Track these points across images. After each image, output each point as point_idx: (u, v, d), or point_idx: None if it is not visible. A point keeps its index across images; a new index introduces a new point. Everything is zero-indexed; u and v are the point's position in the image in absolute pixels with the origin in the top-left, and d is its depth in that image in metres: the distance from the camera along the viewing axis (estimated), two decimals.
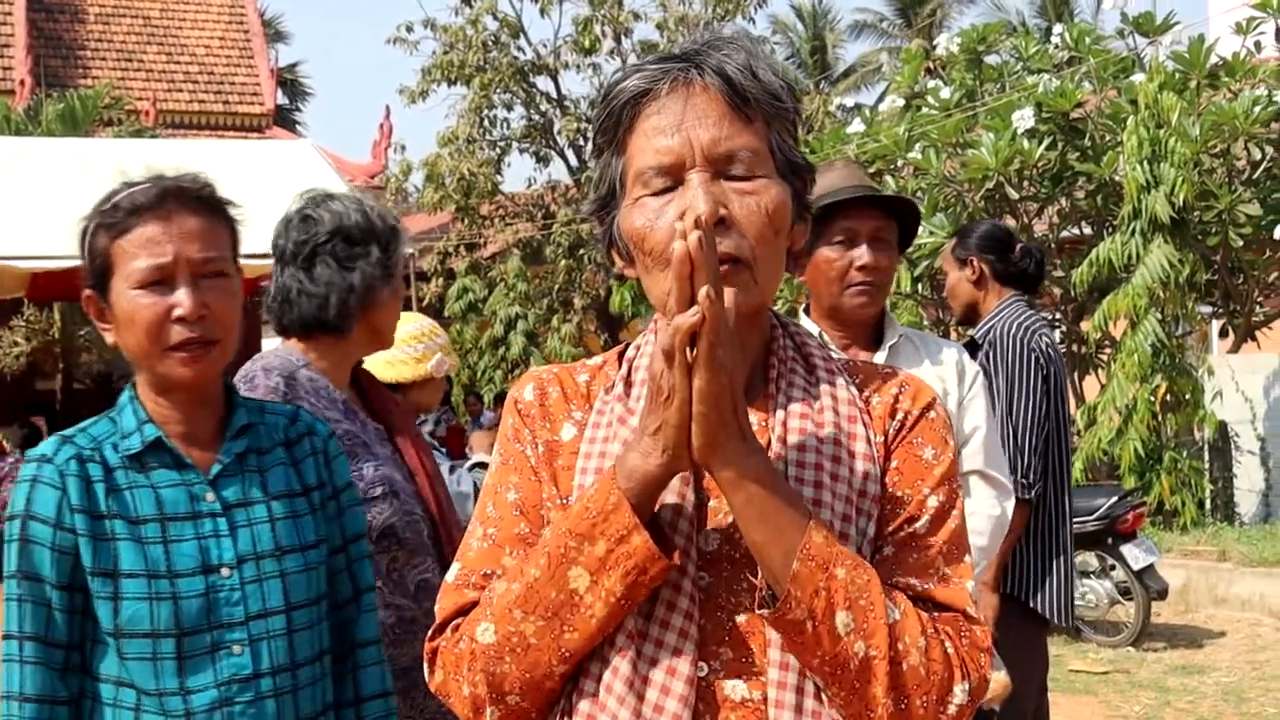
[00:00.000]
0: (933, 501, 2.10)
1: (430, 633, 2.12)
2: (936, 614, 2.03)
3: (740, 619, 2.02)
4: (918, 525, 2.09)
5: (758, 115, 2.07)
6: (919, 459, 2.13)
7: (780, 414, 2.10)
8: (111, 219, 2.79)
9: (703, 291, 1.82)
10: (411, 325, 5.52)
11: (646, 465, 1.93)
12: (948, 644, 1.99)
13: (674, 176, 2.03)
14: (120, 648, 2.73)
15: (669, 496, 2.02)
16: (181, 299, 2.73)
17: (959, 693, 1.97)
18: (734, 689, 2.00)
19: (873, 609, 1.92)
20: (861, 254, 4.28)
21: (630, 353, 2.25)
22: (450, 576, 2.15)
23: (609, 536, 1.93)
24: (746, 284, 2.02)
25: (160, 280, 2.75)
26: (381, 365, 5.23)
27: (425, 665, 2.12)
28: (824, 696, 1.98)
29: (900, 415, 2.16)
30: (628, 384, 2.18)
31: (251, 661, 2.78)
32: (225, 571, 2.79)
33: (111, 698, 2.76)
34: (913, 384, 2.21)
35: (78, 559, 2.72)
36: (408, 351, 5.44)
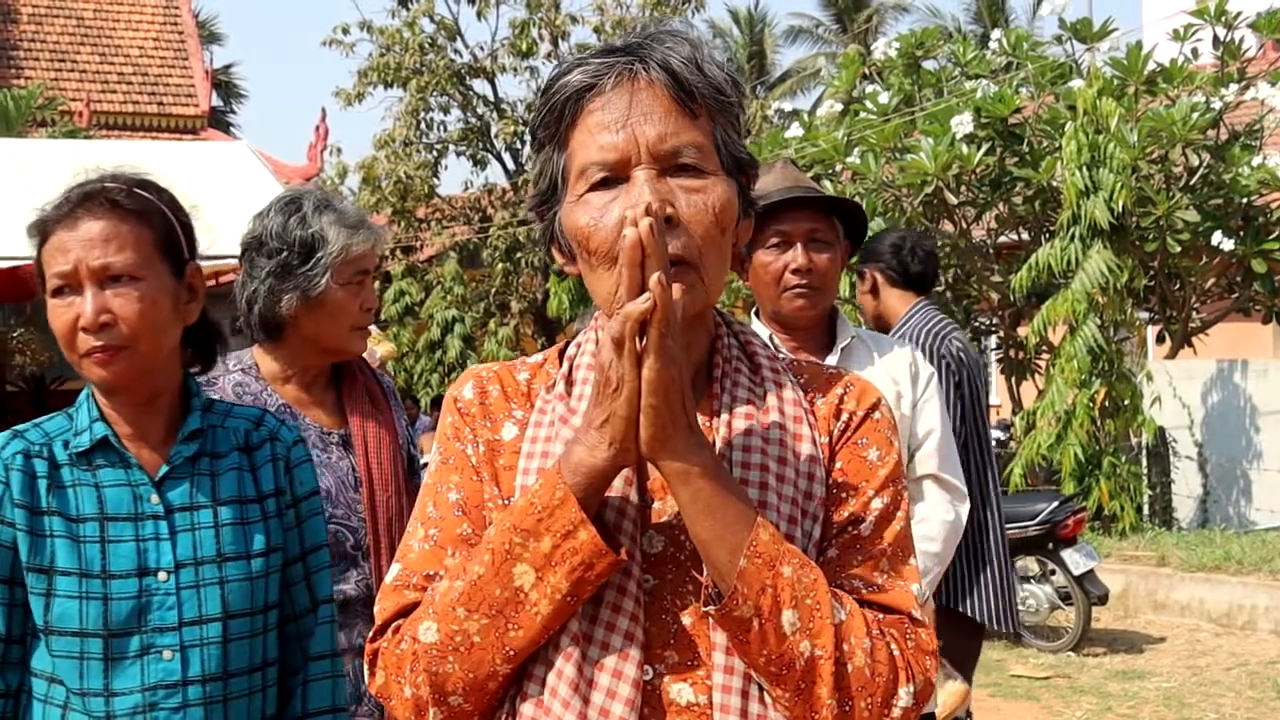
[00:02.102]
0: (877, 503, 2.08)
1: (371, 635, 2.08)
2: (881, 616, 2.00)
3: (686, 621, 2.00)
4: (862, 527, 2.07)
5: (703, 110, 2.03)
6: (864, 460, 2.11)
7: (725, 415, 2.07)
8: (37, 228, 2.79)
9: (654, 278, 1.79)
10: None
11: (593, 459, 1.90)
12: (893, 646, 1.97)
13: (619, 174, 1.99)
14: (49, 644, 2.72)
15: (612, 497, 1.98)
16: (82, 307, 2.71)
17: (904, 695, 1.95)
18: (680, 692, 1.97)
19: (819, 608, 1.90)
20: (795, 256, 4.23)
21: (571, 350, 2.21)
22: (390, 577, 2.10)
23: (555, 532, 1.89)
24: (694, 285, 1.98)
25: (68, 288, 2.73)
26: None
27: (366, 668, 2.08)
28: (768, 699, 1.95)
29: (845, 416, 2.14)
30: (569, 383, 2.15)
31: (180, 668, 2.75)
32: (162, 575, 2.76)
33: (43, 694, 2.75)
34: (858, 384, 2.19)
35: (16, 553, 2.71)
36: None
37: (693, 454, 1.89)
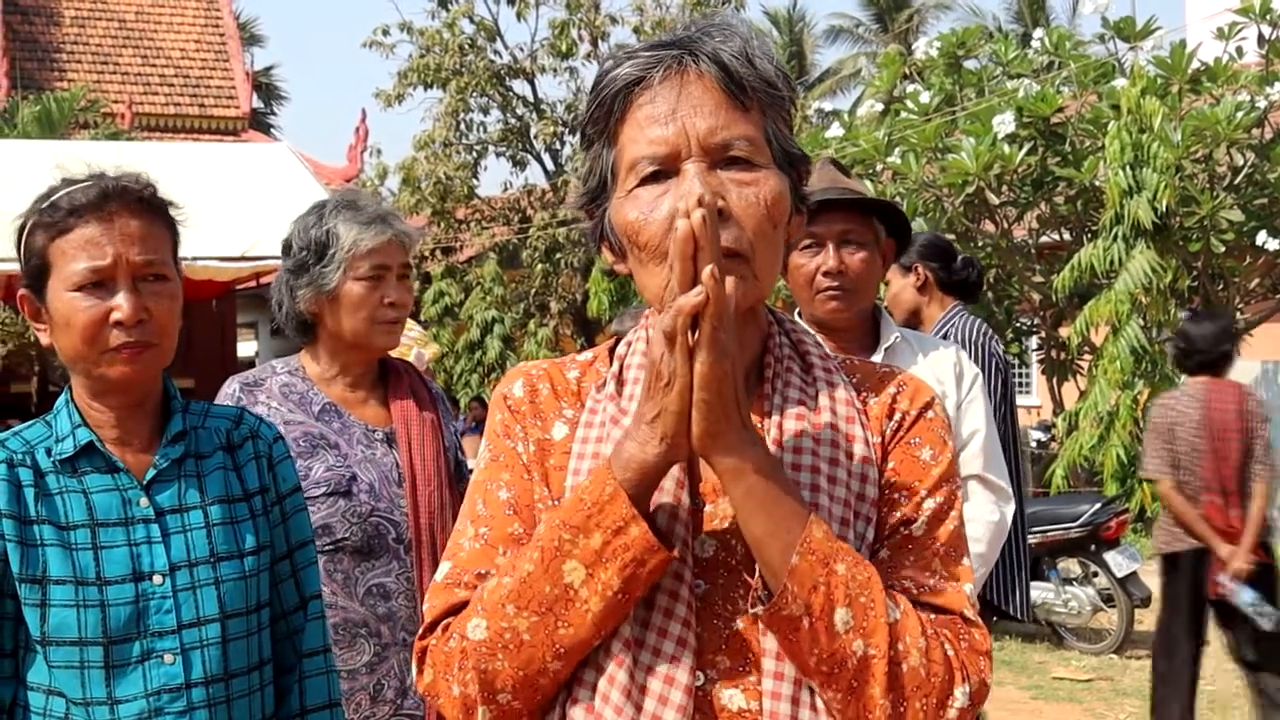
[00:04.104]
0: (930, 503, 2.05)
1: (420, 632, 2.06)
2: (935, 617, 1.97)
3: (738, 626, 1.97)
4: (915, 527, 2.04)
5: (754, 104, 2.00)
6: (917, 460, 2.08)
7: (777, 415, 2.05)
8: (50, 218, 2.73)
9: (706, 271, 1.77)
10: None
11: (644, 454, 1.87)
12: (948, 647, 1.93)
13: (669, 167, 1.97)
14: (48, 655, 2.67)
15: (664, 500, 1.96)
16: (120, 303, 2.68)
17: (959, 696, 1.91)
18: (731, 698, 1.94)
19: (873, 607, 1.87)
20: (826, 258, 4.21)
21: (621, 349, 2.18)
22: (440, 575, 2.08)
23: (605, 528, 1.87)
24: (745, 277, 1.95)
25: (99, 283, 2.69)
26: None
27: (414, 665, 2.06)
28: (820, 705, 1.92)
29: (898, 415, 2.11)
30: (619, 382, 2.12)
31: (183, 671, 2.72)
32: (157, 579, 2.73)
33: (41, 707, 2.70)
34: (911, 383, 2.16)
35: (7, 565, 2.66)
36: None
37: (746, 449, 1.87)
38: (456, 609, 2.02)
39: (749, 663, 1.96)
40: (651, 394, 1.86)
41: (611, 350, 2.21)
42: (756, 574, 1.92)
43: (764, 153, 2.00)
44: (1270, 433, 7.93)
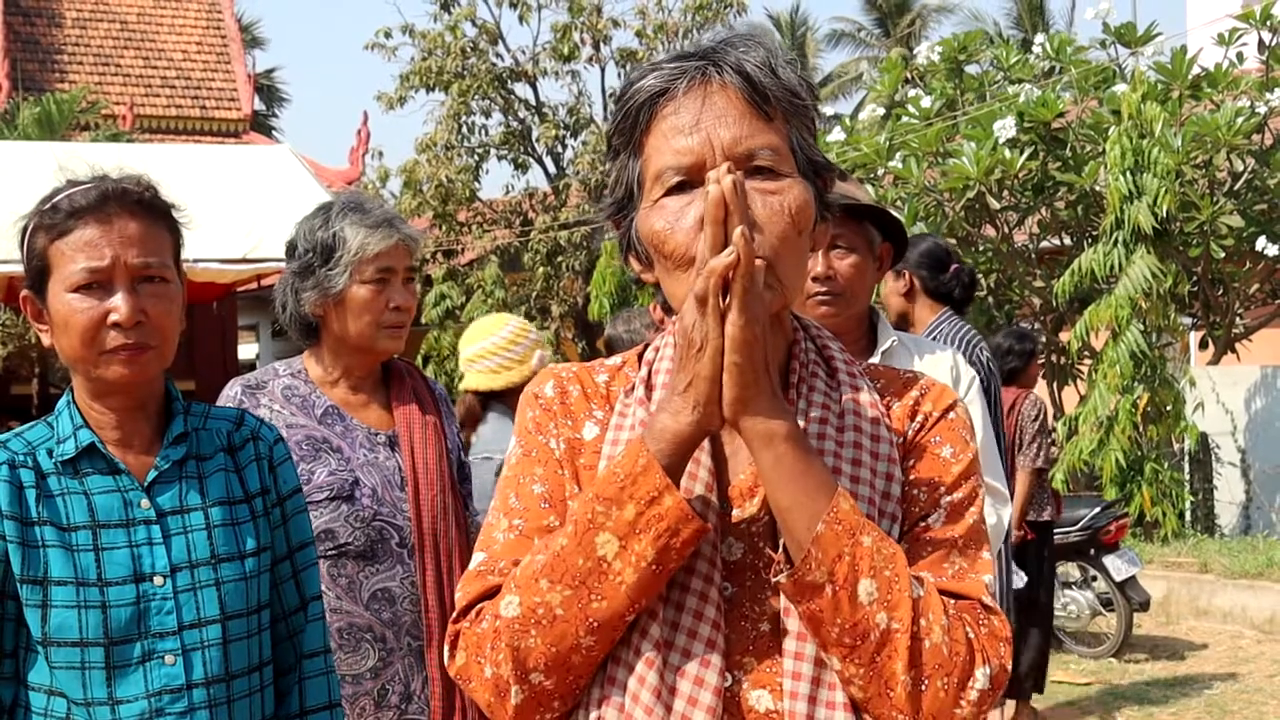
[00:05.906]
0: (950, 497, 2.09)
1: (453, 617, 2.09)
2: (954, 601, 2.00)
3: (764, 628, 2.01)
4: (933, 519, 2.08)
5: (777, 114, 2.04)
6: (937, 457, 2.12)
7: (801, 420, 2.07)
8: (50, 220, 2.75)
9: (737, 233, 1.81)
10: (505, 330, 5.91)
11: (677, 424, 1.91)
12: (968, 629, 1.96)
13: (694, 177, 2.00)
14: (49, 656, 2.69)
15: (693, 502, 1.98)
16: (118, 304, 2.69)
17: (980, 677, 1.94)
18: (759, 699, 1.98)
19: (898, 581, 1.90)
20: (815, 263, 4.19)
21: (649, 355, 2.22)
22: (474, 564, 2.11)
23: (638, 499, 1.90)
24: (771, 284, 1.97)
25: (97, 284, 2.71)
26: (487, 376, 5.73)
27: (446, 649, 2.09)
28: (838, 702, 1.95)
29: (920, 417, 2.15)
30: (648, 387, 2.15)
31: (184, 672, 2.74)
32: (158, 580, 2.75)
33: (42, 707, 2.72)
34: (934, 387, 2.20)
35: (8, 566, 2.68)
36: (510, 356, 5.79)
37: (776, 416, 1.90)
38: (490, 594, 2.05)
39: (776, 664, 1.99)
40: (684, 364, 1.90)
41: (640, 356, 2.24)
42: (781, 546, 1.95)
43: (788, 162, 2.04)
44: (1040, 430, 9.68)
